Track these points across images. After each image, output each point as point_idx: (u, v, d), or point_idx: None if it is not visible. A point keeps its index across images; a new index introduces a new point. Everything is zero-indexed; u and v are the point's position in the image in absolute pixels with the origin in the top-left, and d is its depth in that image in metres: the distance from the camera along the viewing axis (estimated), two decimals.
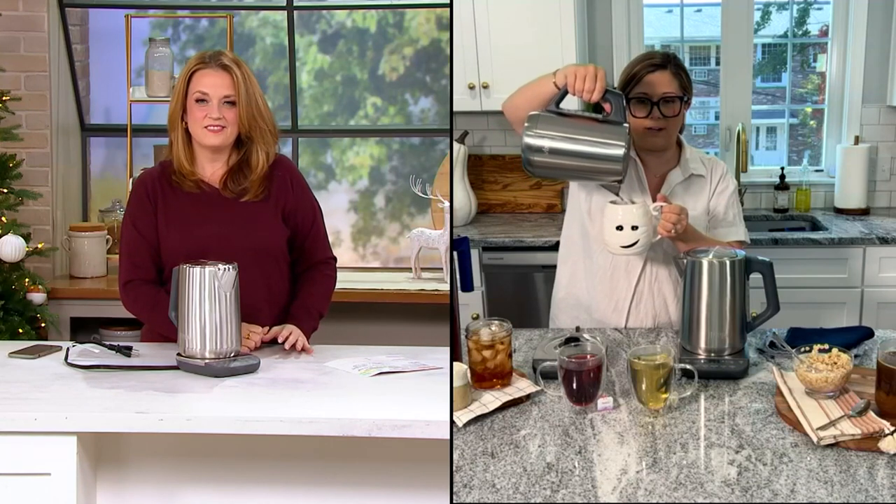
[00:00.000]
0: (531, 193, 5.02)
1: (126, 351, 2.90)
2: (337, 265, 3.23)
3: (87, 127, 5.08)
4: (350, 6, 5.09)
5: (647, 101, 2.92)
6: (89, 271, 4.75)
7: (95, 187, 5.13)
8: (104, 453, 2.52)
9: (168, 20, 5.14)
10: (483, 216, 4.96)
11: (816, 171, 5.08)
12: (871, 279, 4.37)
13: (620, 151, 2.69)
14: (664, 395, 2.37)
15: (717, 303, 2.64)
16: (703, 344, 2.65)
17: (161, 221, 3.01)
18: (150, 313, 3.02)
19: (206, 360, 2.72)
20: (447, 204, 4.66)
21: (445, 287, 4.58)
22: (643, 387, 2.36)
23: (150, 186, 3.05)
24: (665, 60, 2.95)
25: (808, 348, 2.43)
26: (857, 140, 4.89)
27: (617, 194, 2.86)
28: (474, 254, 4.40)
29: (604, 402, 2.40)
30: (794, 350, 2.46)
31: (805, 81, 5.28)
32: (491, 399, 2.44)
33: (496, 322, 2.55)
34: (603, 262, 3.04)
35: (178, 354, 2.77)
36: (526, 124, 2.73)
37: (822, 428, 2.19)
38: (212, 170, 3.05)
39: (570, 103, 2.83)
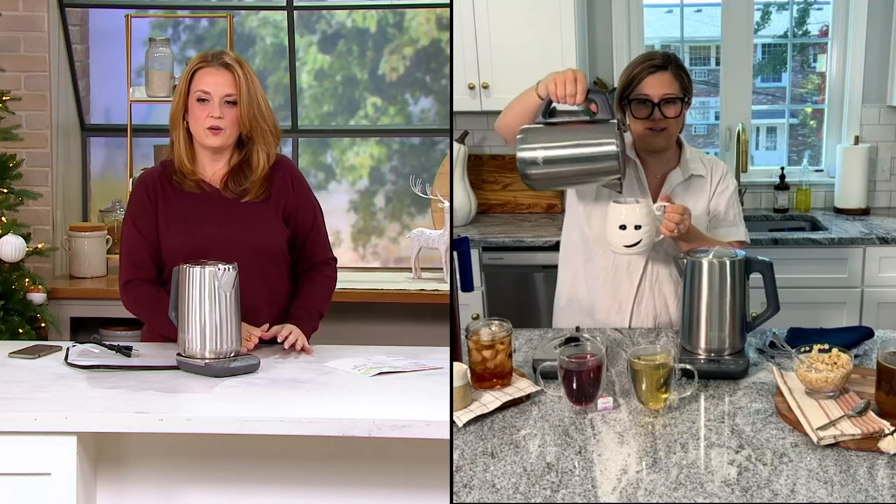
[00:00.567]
0: (531, 193, 5.02)
1: (126, 351, 2.90)
2: (337, 265, 3.23)
3: (87, 127, 5.08)
4: (350, 6, 5.09)
5: (648, 103, 2.92)
6: (89, 271, 4.75)
7: (95, 187, 5.13)
8: (104, 453, 2.52)
9: (168, 20, 5.14)
10: (483, 216, 4.96)
11: (816, 171, 5.08)
12: (871, 279, 4.37)
13: (613, 147, 2.70)
14: (664, 395, 2.37)
15: (717, 303, 2.64)
16: (703, 344, 2.65)
17: (162, 221, 3.01)
18: (150, 313, 3.02)
19: (206, 360, 2.72)
20: (447, 204, 4.66)
21: (445, 287, 4.58)
22: (643, 387, 2.36)
23: (151, 186, 3.04)
24: (665, 61, 2.95)
25: (808, 348, 2.43)
26: (857, 140, 4.89)
27: (619, 192, 2.86)
28: (474, 254, 4.40)
29: (604, 402, 2.40)
30: (794, 350, 2.46)
31: (805, 81, 5.28)
32: (491, 399, 2.44)
33: (496, 322, 2.55)
34: (605, 264, 3.04)
35: (178, 354, 2.77)
36: (517, 139, 2.75)
37: (822, 428, 2.19)
38: (213, 170, 3.05)
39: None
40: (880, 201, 4.95)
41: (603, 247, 2.99)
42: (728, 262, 2.64)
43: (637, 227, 2.80)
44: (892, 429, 2.18)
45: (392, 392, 2.59)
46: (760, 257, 2.69)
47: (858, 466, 2.09)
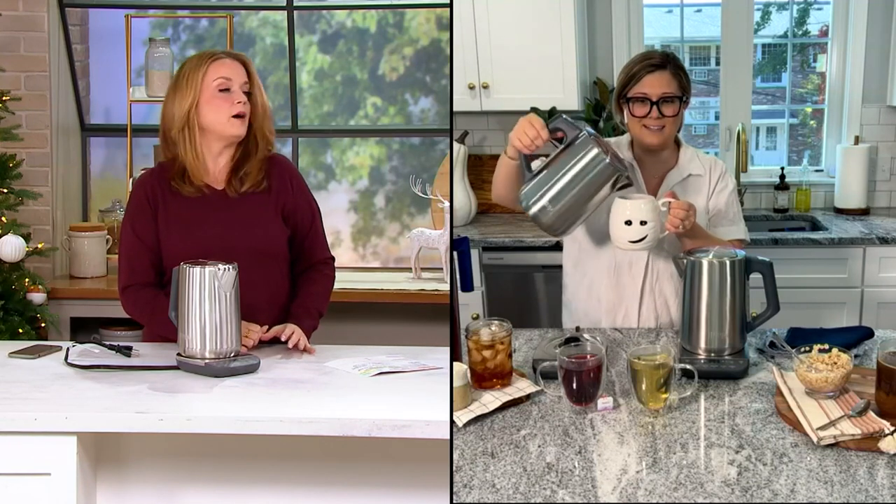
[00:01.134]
0: None
1: (126, 351, 2.90)
2: (335, 265, 3.23)
3: (87, 127, 5.08)
4: (350, 6, 5.09)
5: (647, 101, 2.92)
6: (89, 271, 4.75)
7: (95, 187, 5.13)
8: (104, 453, 2.52)
9: (168, 20, 5.14)
10: (483, 216, 4.96)
11: (816, 171, 5.08)
12: (871, 279, 4.37)
13: (595, 151, 2.72)
14: (664, 395, 2.37)
15: (717, 303, 2.64)
16: (703, 344, 2.65)
17: (161, 224, 3.01)
18: (149, 317, 3.02)
19: (206, 360, 2.72)
20: (447, 204, 4.67)
21: (445, 287, 4.58)
22: (643, 387, 2.36)
23: (150, 189, 3.04)
24: (664, 60, 2.96)
25: (808, 348, 2.43)
26: (857, 140, 4.89)
27: (631, 185, 2.86)
28: (474, 254, 4.40)
29: (604, 402, 2.40)
30: (794, 350, 2.46)
31: (805, 81, 5.28)
32: (491, 399, 2.44)
33: (496, 322, 2.55)
34: (607, 264, 3.04)
35: (178, 354, 2.77)
36: (521, 204, 2.80)
37: (822, 428, 2.19)
38: (215, 168, 3.04)
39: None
40: (880, 201, 4.95)
41: (603, 247, 2.99)
42: (728, 262, 2.64)
43: (642, 223, 2.79)
44: (892, 429, 2.18)
45: (392, 392, 2.59)
46: (760, 257, 2.69)
47: (858, 466, 2.09)
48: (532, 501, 2.01)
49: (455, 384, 2.38)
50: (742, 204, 4.86)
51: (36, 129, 4.76)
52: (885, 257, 4.37)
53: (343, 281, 4.68)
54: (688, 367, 2.44)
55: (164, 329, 2.88)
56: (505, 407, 2.43)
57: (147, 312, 3.00)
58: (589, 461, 2.16)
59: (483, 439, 2.28)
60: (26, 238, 4.25)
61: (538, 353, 2.64)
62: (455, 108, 4.70)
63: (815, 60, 5.26)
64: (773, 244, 4.38)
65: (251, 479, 2.52)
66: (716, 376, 2.57)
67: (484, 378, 2.51)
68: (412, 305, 4.64)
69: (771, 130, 5.32)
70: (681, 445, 2.21)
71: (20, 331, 4.12)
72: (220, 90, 2.97)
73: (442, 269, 4.74)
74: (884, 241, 4.36)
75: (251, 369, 2.74)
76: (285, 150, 5.09)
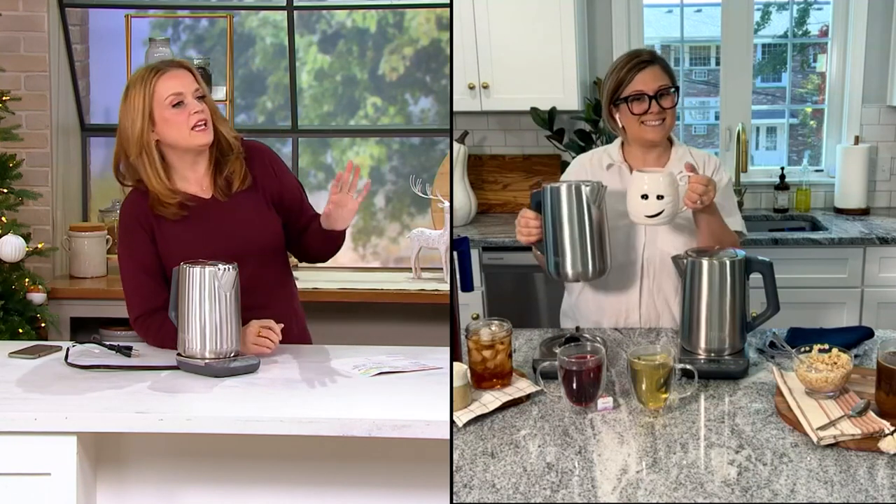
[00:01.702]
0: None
1: (126, 351, 2.90)
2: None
3: (87, 127, 5.08)
4: (350, 6, 5.09)
5: (645, 97, 2.93)
6: (89, 271, 4.75)
7: (95, 187, 5.13)
8: (104, 453, 2.52)
9: (168, 20, 5.14)
10: (483, 216, 4.96)
11: (816, 171, 5.08)
12: (871, 279, 4.37)
13: (557, 186, 2.77)
14: (664, 395, 2.37)
15: (717, 303, 2.64)
16: (703, 344, 2.65)
17: (162, 249, 2.93)
18: (173, 342, 2.88)
19: (206, 360, 2.72)
20: (447, 204, 4.67)
21: (445, 287, 4.58)
22: (643, 387, 2.36)
23: (141, 212, 2.95)
24: (652, 56, 3.00)
25: (808, 348, 2.43)
26: (857, 140, 4.89)
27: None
28: (474, 254, 4.40)
29: (604, 402, 2.40)
30: (794, 350, 2.46)
31: (805, 81, 5.28)
32: (491, 399, 2.44)
33: (496, 322, 2.55)
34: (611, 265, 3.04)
35: (178, 354, 2.76)
36: (556, 279, 2.87)
37: (822, 428, 2.19)
38: (195, 176, 2.98)
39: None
40: (880, 201, 4.95)
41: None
42: (728, 262, 2.64)
43: (659, 197, 2.78)
44: (892, 429, 2.18)
45: (392, 392, 2.59)
46: (760, 257, 2.69)
47: (858, 466, 2.09)
48: (532, 501, 2.01)
49: (455, 384, 2.38)
50: (742, 204, 4.87)
51: (36, 129, 4.76)
52: (885, 257, 4.37)
53: (343, 281, 4.70)
54: (688, 367, 2.44)
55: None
56: (505, 407, 2.43)
57: (171, 338, 2.86)
58: (589, 461, 2.16)
59: (483, 439, 2.28)
60: (26, 238, 4.25)
61: (538, 353, 2.65)
62: (455, 108, 4.70)
63: (815, 60, 5.26)
64: (773, 244, 4.38)
65: (251, 479, 2.52)
66: (716, 376, 2.57)
67: (484, 378, 2.51)
68: (412, 305, 4.64)
69: (771, 130, 5.32)
70: (681, 445, 2.21)
71: (20, 331, 4.12)
72: (174, 105, 2.89)
73: (442, 269, 4.74)
74: (884, 241, 4.36)
75: (251, 369, 2.73)
76: (285, 149, 5.09)
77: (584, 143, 4.66)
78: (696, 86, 5.30)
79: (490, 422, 2.37)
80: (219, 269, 2.73)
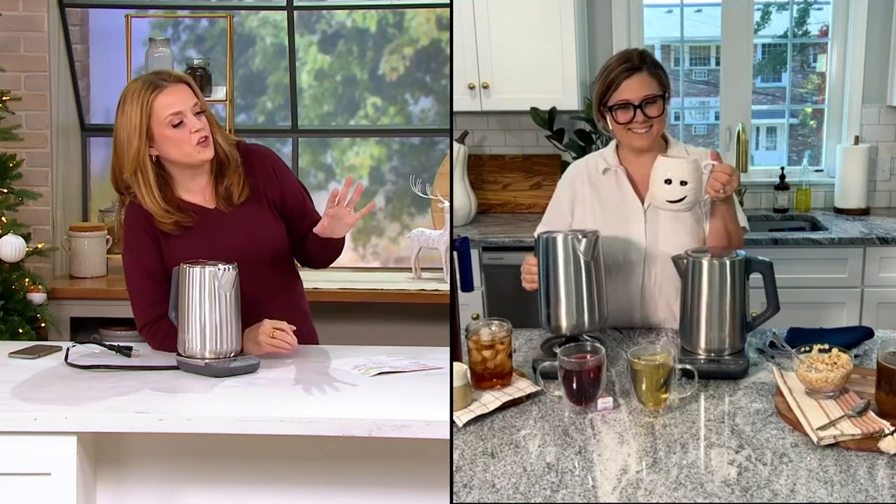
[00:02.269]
0: (531, 193, 5.02)
1: (126, 351, 2.90)
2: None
3: (87, 127, 5.08)
4: (350, 6, 5.09)
5: (630, 106, 2.90)
6: (89, 271, 4.76)
7: (95, 187, 5.13)
8: (104, 453, 2.52)
9: (168, 20, 5.14)
10: (483, 216, 4.96)
11: (816, 171, 5.08)
12: (871, 279, 4.37)
13: (551, 237, 2.69)
14: (664, 395, 2.37)
15: (717, 303, 2.64)
16: (703, 344, 2.65)
17: (169, 261, 2.90)
18: (168, 351, 2.89)
19: (206, 360, 2.72)
20: (447, 204, 4.67)
21: (445, 287, 4.58)
22: (643, 387, 2.36)
23: (145, 221, 2.92)
24: (641, 62, 2.93)
25: (808, 348, 2.43)
26: (857, 140, 4.89)
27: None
28: (474, 254, 4.40)
29: (604, 402, 2.40)
30: (794, 350, 2.46)
31: (805, 81, 5.28)
32: (491, 399, 2.44)
33: (496, 322, 2.55)
34: (611, 266, 3.04)
35: (178, 354, 2.77)
36: (557, 332, 2.74)
37: (822, 428, 2.19)
38: (198, 187, 2.96)
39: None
40: (880, 201, 4.95)
41: (604, 247, 2.99)
42: (728, 262, 2.64)
43: (683, 183, 2.77)
44: (892, 429, 2.18)
45: (392, 392, 2.59)
46: (760, 257, 2.69)
47: (858, 466, 2.08)
48: (532, 501, 2.01)
49: (455, 384, 2.38)
50: (742, 204, 4.87)
51: (36, 129, 4.76)
52: (885, 257, 4.37)
53: (343, 281, 4.70)
54: (688, 367, 2.44)
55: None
56: (505, 407, 2.43)
57: (165, 347, 2.89)
58: (589, 461, 2.16)
59: (483, 439, 2.28)
60: (26, 238, 4.25)
61: (538, 353, 2.64)
62: (455, 108, 4.70)
63: (815, 60, 5.26)
64: (773, 244, 4.38)
65: (251, 479, 2.52)
66: (716, 376, 2.57)
67: (484, 378, 2.51)
68: (412, 305, 4.64)
69: (771, 130, 5.32)
70: (681, 445, 2.21)
71: (20, 331, 4.12)
72: (174, 125, 2.86)
73: (442, 269, 4.74)
74: (884, 241, 4.36)
75: (251, 369, 2.73)
76: (285, 150, 5.10)
77: (584, 143, 4.66)
78: (696, 86, 5.31)
79: (490, 422, 2.37)
80: (219, 269, 2.73)
